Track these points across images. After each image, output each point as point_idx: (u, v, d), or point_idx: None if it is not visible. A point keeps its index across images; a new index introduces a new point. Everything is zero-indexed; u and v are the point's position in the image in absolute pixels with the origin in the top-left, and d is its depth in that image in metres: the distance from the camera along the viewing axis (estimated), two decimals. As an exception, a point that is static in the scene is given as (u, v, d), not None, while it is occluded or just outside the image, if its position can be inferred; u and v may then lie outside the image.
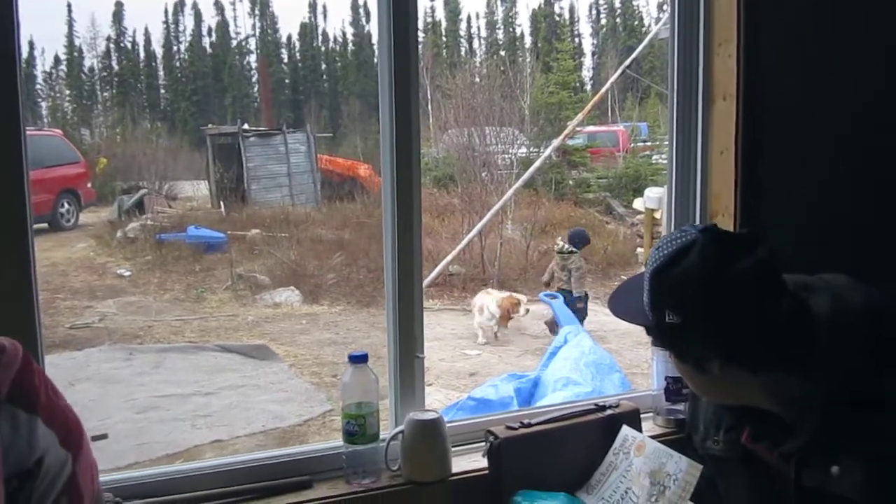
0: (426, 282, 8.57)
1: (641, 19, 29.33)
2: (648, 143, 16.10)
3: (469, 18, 27.88)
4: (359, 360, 1.55)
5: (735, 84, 1.77)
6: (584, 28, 29.19)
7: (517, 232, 10.31)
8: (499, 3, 27.64)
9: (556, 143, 10.18)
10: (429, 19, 27.37)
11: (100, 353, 6.17)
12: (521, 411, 1.81)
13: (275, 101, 22.51)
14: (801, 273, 1.24)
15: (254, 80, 23.57)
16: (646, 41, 10.31)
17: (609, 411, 1.65)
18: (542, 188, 12.79)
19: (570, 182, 13.79)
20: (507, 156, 12.56)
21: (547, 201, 12.18)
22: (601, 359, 5.07)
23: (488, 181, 11.16)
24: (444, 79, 16.15)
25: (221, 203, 11.22)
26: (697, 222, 1.89)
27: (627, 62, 9.55)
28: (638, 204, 9.69)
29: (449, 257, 8.61)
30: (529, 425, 1.58)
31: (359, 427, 1.52)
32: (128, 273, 8.59)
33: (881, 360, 1.10)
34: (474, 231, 8.91)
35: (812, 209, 1.85)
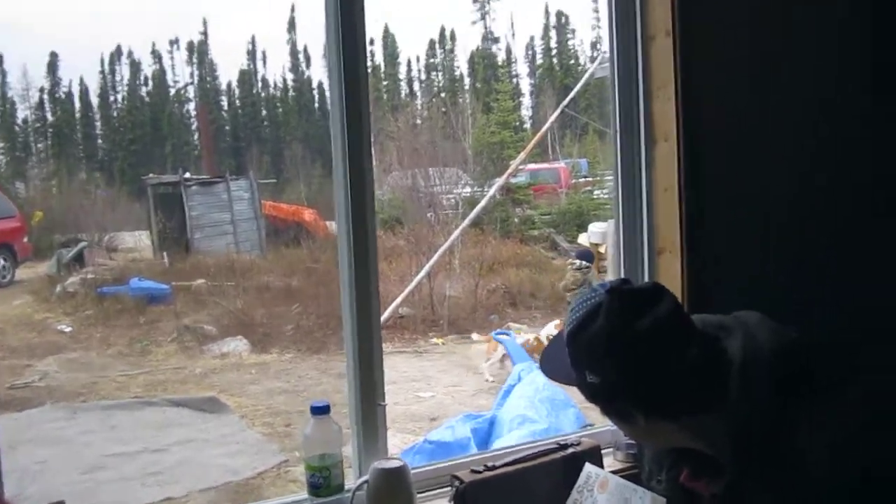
0: (376, 325, 8.57)
1: (577, 58, 30.07)
2: (590, 179, 16.42)
3: (409, 62, 28.15)
4: (321, 411, 1.55)
5: (675, 125, 1.84)
6: (522, 68, 29.77)
7: (465, 271, 10.36)
8: (437, 46, 28.06)
9: (500, 181, 10.32)
10: (368, 63, 27.60)
11: (41, 414, 5.95)
12: (483, 454, 1.82)
13: (216, 149, 22.31)
14: (740, 308, 1.31)
15: (193, 127, 23.34)
16: (583, 80, 10.60)
17: (571, 449, 1.67)
18: (487, 227, 12.91)
19: (515, 220, 13.96)
20: (451, 196, 12.68)
21: (493, 239, 12.28)
22: (555, 394, 5.10)
23: (434, 221, 11.23)
24: (386, 121, 16.28)
25: (164, 253, 11.01)
26: (645, 259, 1.94)
27: (566, 101, 9.80)
28: (583, 239, 9.85)
29: (399, 299, 8.60)
30: (493, 468, 1.59)
31: (323, 479, 1.51)
32: (68, 329, 8.34)
33: (786, 393, 1.16)
34: (423, 272, 8.92)
35: (754, 242, 1.92)
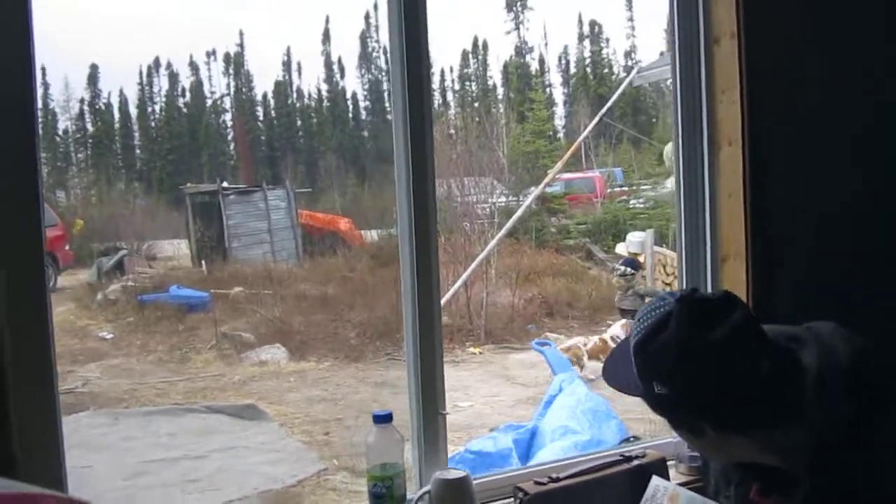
0: (414, 334, 8.56)
1: (611, 67, 29.95)
2: (625, 189, 16.30)
3: (442, 72, 28.23)
4: (384, 419, 1.53)
5: (740, 130, 1.79)
6: (555, 78, 29.71)
7: (501, 281, 10.32)
8: (470, 56, 28.11)
9: (537, 191, 10.28)
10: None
11: (86, 419, 6.02)
12: (544, 465, 1.78)
13: (252, 159, 22.55)
14: (806, 314, 1.28)
15: (229, 138, 23.61)
16: (621, 88, 10.53)
17: (636, 461, 1.63)
18: (523, 237, 12.86)
19: (552, 229, 13.90)
20: (486, 205, 12.65)
21: (529, 249, 12.23)
22: (597, 405, 5.04)
23: (470, 231, 11.21)
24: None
25: (202, 262, 11.13)
26: (709, 265, 1.90)
27: (603, 110, 9.73)
28: (620, 249, 9.76)
29: (436, 308, 8.58)
30: (557, 479, 1.55)
31: (386, 489, 1.49)
32: (110, 336, 8.45)
33: (862, 404, 1.12)
34: (459, 282, 8.90)
35: (819, 247, 1.86)
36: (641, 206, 14.95)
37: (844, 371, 1.14)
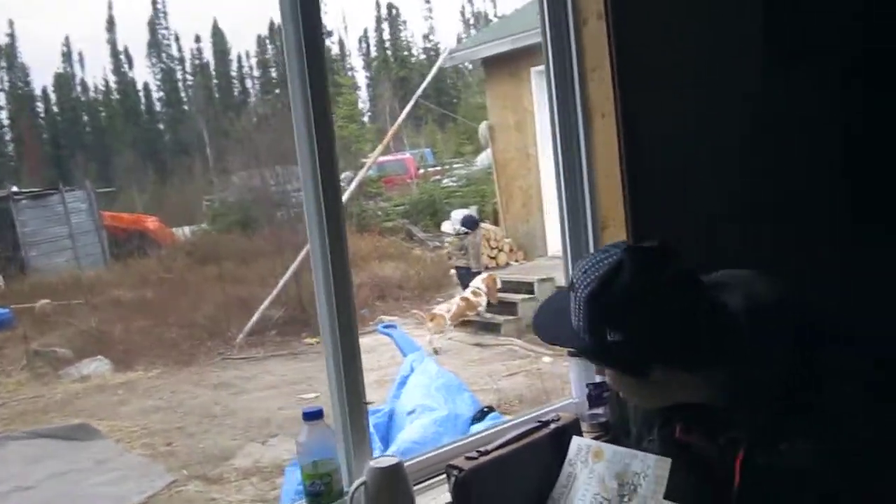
0: (245, 330, 8.31)
1: (410, 49, 30.37)
2: (437, 168, 16.67)
3: (239, 58, 27.30)
4: (314, 416, 1.49)
5: (613, 105, 1.91)
6: (356, 62, 29.71)
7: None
8: (268, 42, 27.39)
9: (359, 176, 10.26)
10: (196, 61, 26.55)
11: None
12: (464, 440, 1.81)
13: (37, 159, 20.70)
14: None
15: (8, 138, 21.49)
16: (434, 70, 10.70)
17: (553, 425, 1.70)
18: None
19: (378, 213, 13.95)
20: (300, 193, 12.46)
21: (351, 234, 12.21)
22: (450, 381, 5.16)
23: (287, 220, 11.00)
24: (227, 121, 15.76)
25: (-1, 275, 10.13)
26: (590, 233, 2.01)
27: (419, 91, 9.86)
28: (446, 227, 10.00)
29: (266, 302, 8.38)
30: (487, 452, 1.59)
31: (325, 486, 1.46)
32: None
33: (803, 344, 1.23)
34: (288, 272, 8.73)
35: (693, 208, 2.02)
36: (454, 184, 15.37)
37: (773, 309, 1.25)
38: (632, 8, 1.89)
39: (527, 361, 7.09)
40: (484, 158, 14.55)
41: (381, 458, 1.54)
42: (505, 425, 1.81)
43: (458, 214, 9.58)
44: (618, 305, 1.23)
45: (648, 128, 1.94)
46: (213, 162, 18.72)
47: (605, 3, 1.87)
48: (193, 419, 6.12)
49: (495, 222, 10.29)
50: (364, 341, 7.57)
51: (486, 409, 5.00)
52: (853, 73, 2.36)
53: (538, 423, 1.71)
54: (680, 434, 1.38)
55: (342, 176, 13.18)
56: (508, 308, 8.46)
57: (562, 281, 7.48)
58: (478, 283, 8.27)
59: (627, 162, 1.92)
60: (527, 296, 8.45)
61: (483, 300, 8.20)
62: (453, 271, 9.84)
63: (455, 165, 16.46)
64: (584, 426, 1.91)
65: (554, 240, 9.45)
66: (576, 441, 1.62)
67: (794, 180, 2.19)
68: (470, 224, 9.17)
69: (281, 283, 8.67)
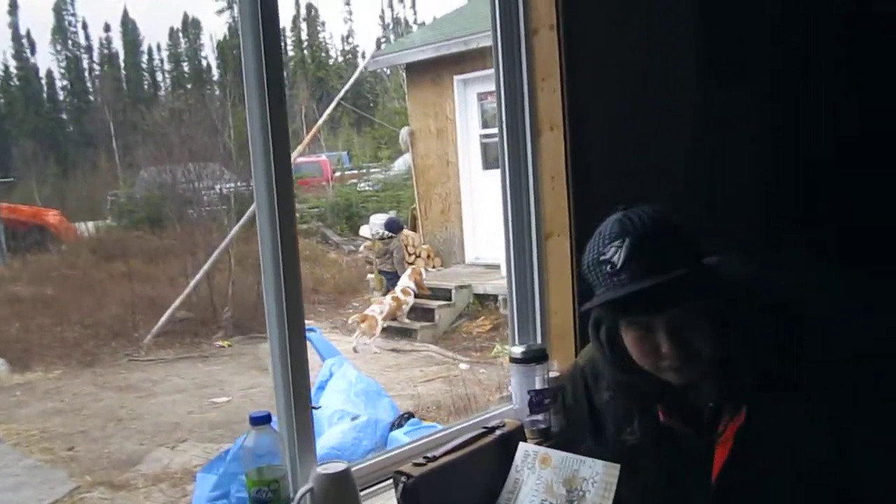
0: (153, 331, 8.01)
1: (328, 51, 30.09)
2: (355, 172, 16.55)
3: (150, 50, 26.43)
4: (261, 421, 1.45)
5: (561, 115, 1.94)
6: (273, 60, 29.10)
7: (241, 269, 9.99)
8: (181, 35, 26.64)
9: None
10: (105, 51, 25.57)
11: None
12: (408, 445, 1.79)
13: (-77, 145, 19.47)
14: None
15: None
16: (357, 72, 10.65)
17: (498, 431, 1.71)
18: (256, 223, 12.49)
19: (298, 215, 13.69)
20: (213, 192, 12.13)
21: (265, 236, 11.95)
22: (369, 386, 5.13)
23: (198, 219, 10.69)
24: (137, 114, 15.20)
25: None
26: (534, 243, 2.03)
27: (341, 93, 9.79)
28: (364, 231, 9.93)
29: (177, 302, 8.13)
30: (435, 458, 1.58)
31: (272, 493, 1.42)
32: None
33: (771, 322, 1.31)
34: (201, 272, 8.48)
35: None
36: (371, 188, 15.29)
37: (748, 289, 1.33)
38: (582, 20, 1.93)
39: (444, 368, 7.11)
40: (401, 164, 14.54)
41: (329, 464, 1.51)
42: (448, 431, 1.80)
43: (377, 219, 9.53)
44: (668, 240, 1.29)
45: (595, 139, 1.97)
46: (120, 156, 18.02)
47: (556, 14, 1.90)
48: (97, 423, 5.86)
49: (413, 228, 10.29)
50: (278, 345, 7.39)
51: (405, 415, 4.99)
52: (776, 83, 2.51)
53: (484, 430, 1.71)
54: (664, 417, 1.41)
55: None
56: (425, 314, 8.46)
57: (480, 288, 7.49)
58: (406, 281, 8.36)
59: (573, 172, 1.95)
60: (444, 302, 8.48)
61: (411, 299, 8.30)
62: (370, 276, 9.79)
63: (372, 170, 16.38)
64: (527, 433, 1.93)
65: (472, 247, 9.53)
66: (522, 447, 1.63)
67: (730, 187, 2.29)
68: (394, 227, 9.25)
69: (192, 283, 8.42)
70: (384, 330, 8.31)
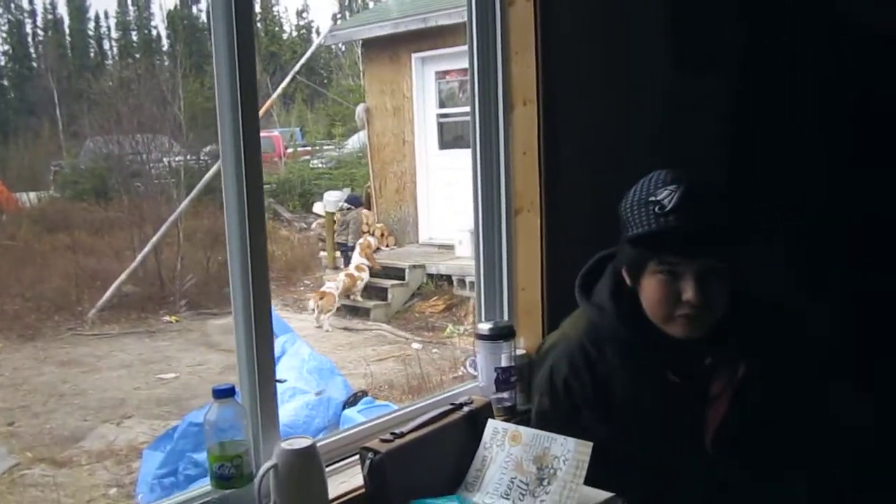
0: (98, 305, 7.80)
1: (281, 25, 29.57)
2: (308, 148, 16.33)
3: (97, 17, 25.60)
4: (225, 394, 1.39)
5: (535, 90, 1.90)
6: (225, 32, 28.43)
7: (190, 244, 9.79)
8: (129, 3, 25.86)
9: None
10: (49, 16, 24.70)
11: None
12: (374, 420, 1.75)
13: None
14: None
15: None
16: (313, 47, 10.46)
17: (466, 408, 1.68)
18: (206, 197, 12.28)
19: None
20: (161, 164, 11.85)
21: (214, 210, 11.72)
22: (322, 364, 5.08)
23: (145, 192, 10.43)
24: (83, 82, 14.72)
25: None
26: (503, 218, 2.00)
27: (297, 67, 9.61)
28: (318, 208, 9.81)
29: (123, 276, 7.92)
30: (402, 434, 1.55)
31: (235, 469, 1.37)
32: None
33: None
34: (148, 246, 8.28)
35: (604, 203, 2.06)
36: (324, 165, 15.11)
37: None
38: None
39: (396, 347, 7.09)
40: (355, 141, 14.38)
41: (293, 439, 1.47)
42: (415, 407, 1.77)
43: (331, 196, 9.43)
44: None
45: (568, 115, 1.95)
46: (64, 125, 17.47)
47: (533, -15, 1.87)
48: (39, 398, 5.69)
49: (368, 206, 10.19)
50: (226, 322, 7.38)
51: (358, 394, 4.95)
52: (745, 71, 2.53)
53: (451, 406, 1.68)
54: (672, 376, 1.49)
55: (206, 149, 12.71)
56: (378, 293, 8.41)
57: (433, 269, 7.48)
58: (357, 258, 8.41)
59: (545, 148, 1.92)
60: (397, 282, 8.44)
61: (366, 275, 8.34)
62: (323, 253, 9.68)
63: (325, 147, 16.18)
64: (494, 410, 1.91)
65: (426, 227, 9.48)
66: (491, 424, 1.60)
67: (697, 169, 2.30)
68: (354, 202, 9.39)
69: (140, 256, 8.22)
70: (336, 308, 8.27)
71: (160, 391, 5.98)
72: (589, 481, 1.41)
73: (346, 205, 9.25)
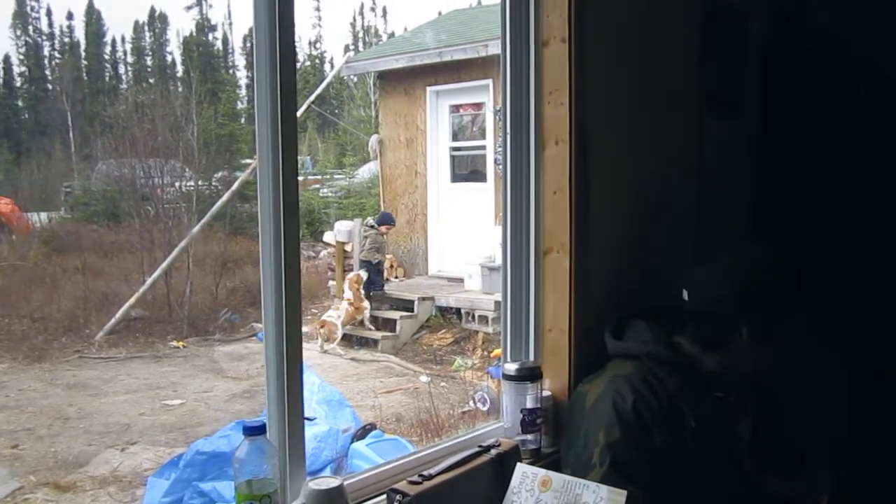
0: (106, 328, 7.79)
1: (295, 54, 29.84)
2: (318, 177, 16.40)
3: (114, 42, 25.92)
4: (255, 431, 1.36)
5: (568, 129, 1.90)
6: (239, 60, 28.85)
7: (199, 270, 9.79)
8: (146, 29, 26.19)
9: (243, 176, 9.90)
10: (66, 39, 25.02)
11: None
12: (402, 460, 1.72)
13: None
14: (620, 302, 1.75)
15: None
16: (329, 77, 10.54)
17: (494, 451, 1.65)
18: (216, 223, 12.31)
19: (254, 217, 13.50)
20: (173, 189, 11.91)
21: (224, 236, 11.74)
22: (331, 395, 5.04)
23: (157, 216, 10.47)
24: (97, 105, 14.87)
25: None
26: (531, 258, 1.99)
27: (312, 97, 9.67)
28: (328, 237, 9.81)
29: (132, 299, 7.92)
30: (430, 477, 1.52)
31: (263, 508, 1.34)
32: None
33: None
34: (159, 270, 8.28)
35: (632, 241, 2.05)
36: (333, 195, 15.15)
37: None
38: (594, 34, 1.90)
39: (404, 379, 7.04)
40: (366, 171, 14.44)
41: (321, 479, 1.44)
42: (441, 447, 1.74)
43: (341, 225, 9.42)
44: None
45: (600, 156, 1.95)
46: (77, 147, 17.60)
47: (569, 26, 1.87)
48: (44, 420, 5.65)
49: (378, 237, 10.19)
50: (233, 349, 7.35)
51: (367, 427, 4.90)
52: (768, 118, 2.55)
53: (479, 448, 1.66)
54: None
55: (218, 175, 12.77)
56: (387, 324, 8.38)
57: (443, 301, 7.47)
58: (346, 291, 8.44)
59: (576, 188, 1.91)
60: (406, 313, 8.40)
61: (367, 304, 8.36)
62: (332, 283, 9.67)
63: (336, 176, 16.25)
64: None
65: (436, 260, 9.47)
66: (520, 468, 1.57)
67: (719, 212, 2.30)
68: (388, 220, 9.28)
69: (149, 281, 8.22)
70: (345, 338, 8.23)
71: (166, 417, 5.93)
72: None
73: (382, 228, 9.18)
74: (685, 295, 1.64)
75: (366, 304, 8.29)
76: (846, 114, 2.61)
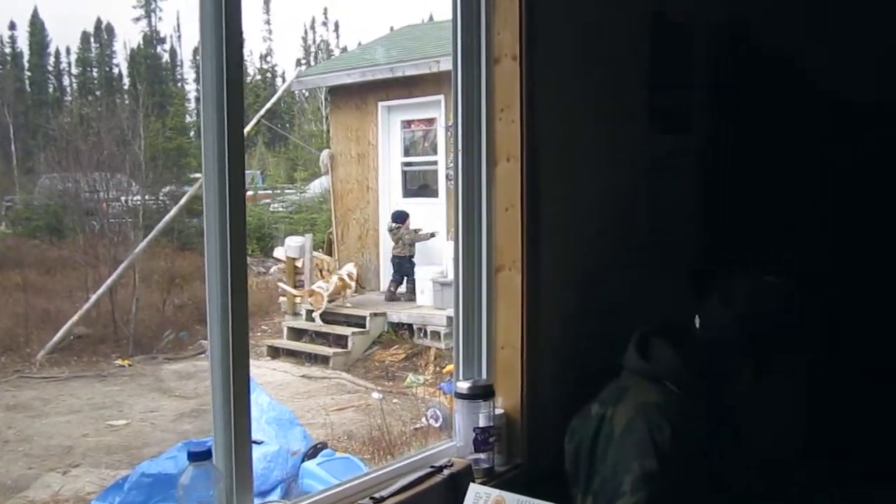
0: (48, 346, 7.56)
1: (245, 68, 29.58)
2: (268, 192, 16.24)
3: (58, 53, 25.35)
4: (200, 456, 1.33)
5: (519, 146, 1.91)
6: (188, 73, 28.47)
7: (146, 286, 9.58)
8: (93, 40, 25.68)
9: (191, 191, 9.74)
10: (8, 49, 24.40)
11: None
12: (353, 482, 1.68)
13: None
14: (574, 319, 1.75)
15: None
16: (280, 91, 10.46)
17: (447, 471, 1.63)
18: (163, 238, 12.08)
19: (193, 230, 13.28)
20: (119, 204, 11.67)
21: (172, 251, 11.52)
22: (281, 414, 4.96)
23: (100, 231, 10.24)
24: (41, 118, 14.51)
25: None
26: (483, 276, 1.98)
27: (262, 111, 9.57)
28: (279, 253, 9.69)
29: (75, 317, 7.70)
30: (382, 499, 1.49)
31: (209, 535, 1.30)
32: None
33: None
34: (104, 286, 8.08)
35: (584, 257, 2.06)
36: (284, 210, 15.02)
37: None
38: (545, 52, 1.91)
39: (356, 396, 6.97)
40: (317, 186, 14.34)
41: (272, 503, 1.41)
42: (392, 468, 1.71)
43: (292, 241, 9.31)
44: None
45: (552, 172, 1.95)
46: (19, 160, 17.13)
47: (520, 44, 1.88)
48: (-18, 444, 5.46)
49: (329, 252, 10.11)
50: (181, 367, 7.19)
51: (318, 445, 4.83)
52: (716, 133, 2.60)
53: (431, 469, 1.64)
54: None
55: (166, 189, 12.56)
56: (338, 341, 8.30)
57: (395, 317, 7.43)
58: (349, 268, 8.97)
59: (528, 205, 1.91)
60: (358, 329, 8.33)
61: (353, 284, 8.86)
62: (282, 299, 9.54)
63: (287, 191, 16.12)
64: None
65: (388, 275, 9.43)
66: (473, 488, 1.55)
67: (669, 226, 2.33)
68: (402, 217, 9.16)
69: (94, 297, 8.01)
70: (294, 355, 8.15)
71: (110, 438, 5.77)
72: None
73: (394, 224, 9.12)
74: (696, 322, 1.59)
75: (354, 284, 8.88)
76: (794, 128, 2.68)
